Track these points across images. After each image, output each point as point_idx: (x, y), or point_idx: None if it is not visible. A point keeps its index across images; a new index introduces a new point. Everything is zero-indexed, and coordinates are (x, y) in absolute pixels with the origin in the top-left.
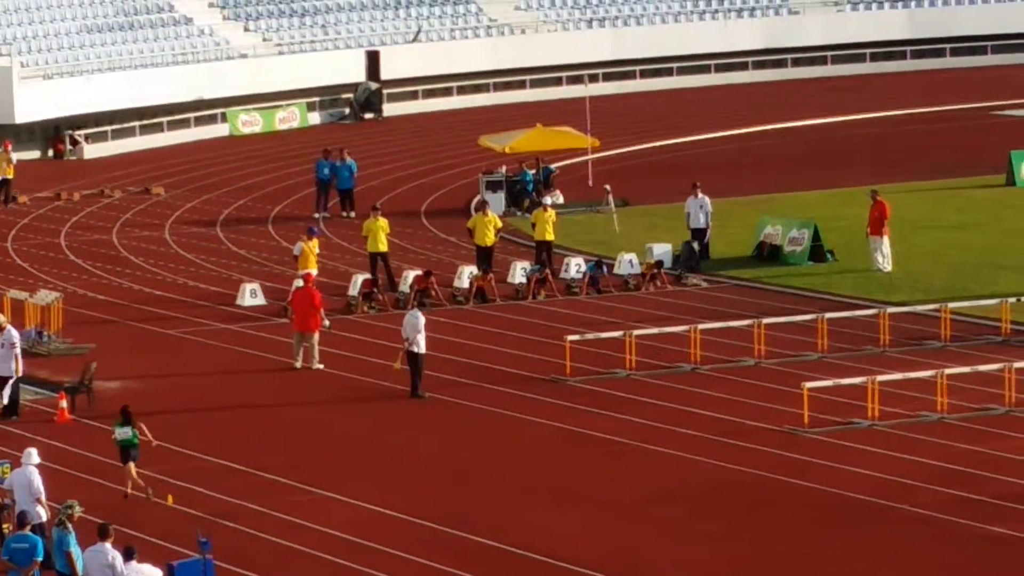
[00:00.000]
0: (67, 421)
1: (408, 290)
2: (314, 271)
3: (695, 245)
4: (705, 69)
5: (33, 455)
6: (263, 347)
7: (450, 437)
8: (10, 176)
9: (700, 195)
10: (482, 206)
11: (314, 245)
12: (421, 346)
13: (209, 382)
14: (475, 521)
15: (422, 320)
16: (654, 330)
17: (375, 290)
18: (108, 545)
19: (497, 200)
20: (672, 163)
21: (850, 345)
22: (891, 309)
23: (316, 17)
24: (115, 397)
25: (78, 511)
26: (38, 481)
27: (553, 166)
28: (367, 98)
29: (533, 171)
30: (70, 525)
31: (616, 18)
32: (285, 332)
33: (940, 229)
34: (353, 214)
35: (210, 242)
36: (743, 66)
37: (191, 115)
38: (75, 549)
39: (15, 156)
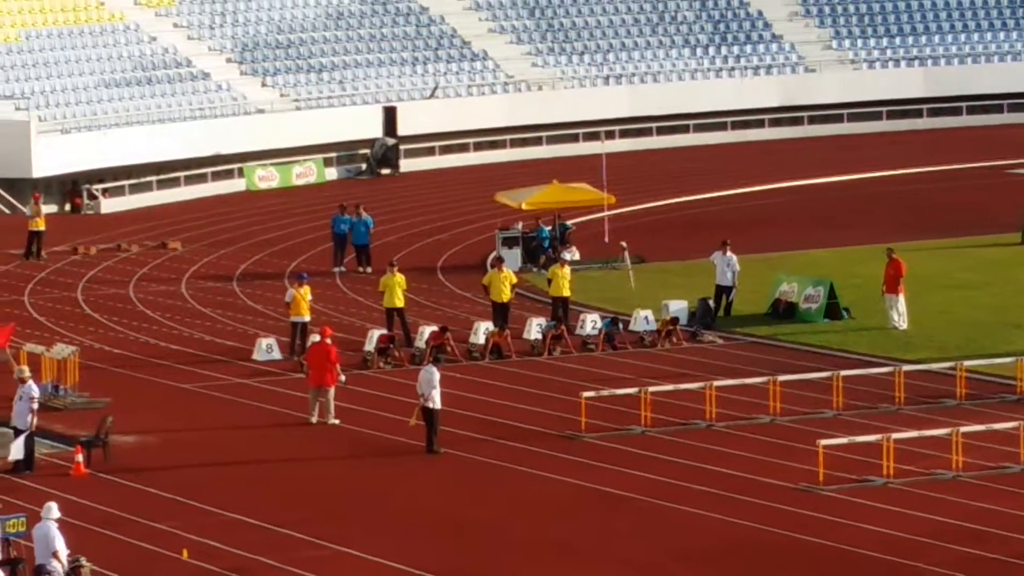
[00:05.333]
0: (83, 475)
1: (424, 346)
2: (307, 318)
3: (710, 302)
4: (721, 126)
5: (53, 510)
6: (279, 402)
7: (465, 493)
8: (41, 228)
9: (728, 253)
10: (498, 262)
11: (305, 292)
12: (437, 402)
13: (225, 437)
14: None
15: (437, 376)
16: (669, 387)
17: (391, 345)
18: None
19: (513, 256)
20: (688, 220)
21: (865, 403)
22: (906, 367)
23: (333, 73)
24: (131, 451)
25: (87, 567)
26: (55, 535)
27: (569, 222)
28: (384, 154)
29: (549, 227)
30: None
31: (633, 75)
32: (301, 387)
33: (955, 287)
34: (370, 269)
35: (226, 297)
36: (759, 123)
37: (208, 170)
38: None
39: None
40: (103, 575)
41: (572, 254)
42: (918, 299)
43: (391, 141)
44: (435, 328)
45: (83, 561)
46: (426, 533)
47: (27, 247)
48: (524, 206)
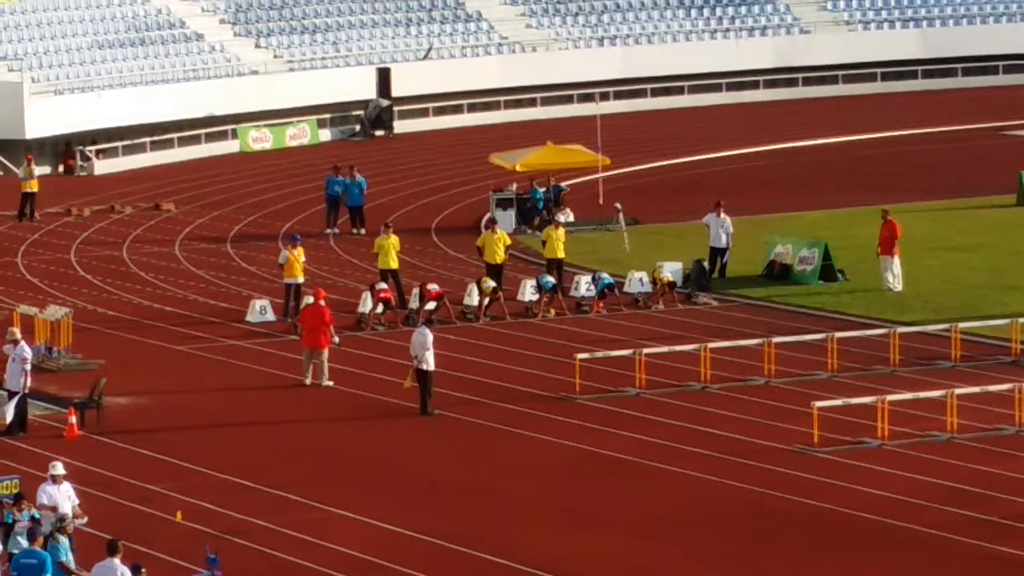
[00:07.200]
0: (76, 437)
1: (418, 304)
2: (301, 279)
3: (705, 264)
4: (716, 88)
5: (52, 468)
6: (273, 364)
7: (460, 455)
8: (35, 189)
9: (722, 214)
10: (491, 224)
11: (299, 254)
12: (430, 363)
13: (218, 398)
14: (484, 539)
15: (430, 337)
16: (664, 348)
17: (391, 302)
18: (117, 561)
19: (507, 218)
20: (682, 182)
21: (860, 364)
22: (901, 329)
23: (327, 34)
24: (125, 413)
25: (70, 524)
26: (40, 493)
27: (564, 184)
28: (378, 115)
29: (544, 189)
30: (63, 537)
31: (627, 36)
32: (295, 349)
33: (950, 249)
34: (363, 231)
35: (220, 258)
36: (754, 85)
37: (202, 131)
38: (67, 556)
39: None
40: (97, 537)
41: (566, 216)
42: (913, 261)
43: (385, 102)
44: (428, 286)
45: (68, 520)
46: (420, 495)
47: (20, 209)
48: (518, 168)
